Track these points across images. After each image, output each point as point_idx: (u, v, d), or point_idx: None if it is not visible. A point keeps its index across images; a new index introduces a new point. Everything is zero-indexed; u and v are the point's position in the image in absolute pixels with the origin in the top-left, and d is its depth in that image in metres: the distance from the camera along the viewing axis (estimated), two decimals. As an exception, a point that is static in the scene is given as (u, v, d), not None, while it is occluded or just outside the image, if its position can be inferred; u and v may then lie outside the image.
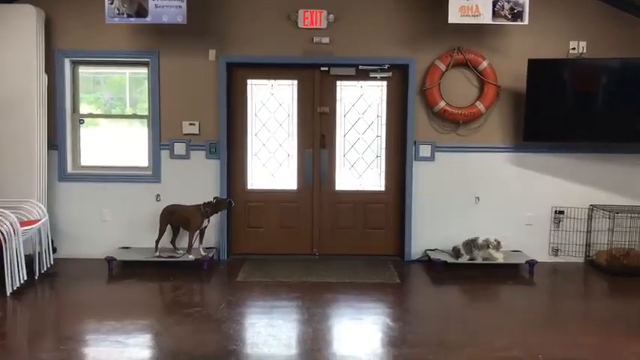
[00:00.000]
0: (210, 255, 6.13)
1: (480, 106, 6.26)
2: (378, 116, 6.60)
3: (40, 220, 5.68)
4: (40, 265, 5.69)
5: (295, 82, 6.53)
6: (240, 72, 6.49)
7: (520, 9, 5.76)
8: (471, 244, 6.07)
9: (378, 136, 6.60)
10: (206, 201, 6.06)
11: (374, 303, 5.16)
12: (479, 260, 6.06)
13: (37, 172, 6.00)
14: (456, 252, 6.14)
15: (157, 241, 6.09)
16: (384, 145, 6.61)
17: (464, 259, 6.07)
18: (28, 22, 5.89)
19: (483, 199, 6.46)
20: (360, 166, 6.64)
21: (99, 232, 6.40)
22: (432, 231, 6.46)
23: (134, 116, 6.62)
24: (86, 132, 6.56)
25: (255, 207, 6.63)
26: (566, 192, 6.44)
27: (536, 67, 6.05)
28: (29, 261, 5.53)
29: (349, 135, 6.62)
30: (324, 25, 6.21)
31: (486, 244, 6.03)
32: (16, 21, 5.89)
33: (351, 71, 6.44)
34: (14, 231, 5.16)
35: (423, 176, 6.43)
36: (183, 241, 6.16)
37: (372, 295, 5.31)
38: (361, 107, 6.59)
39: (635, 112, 6.03)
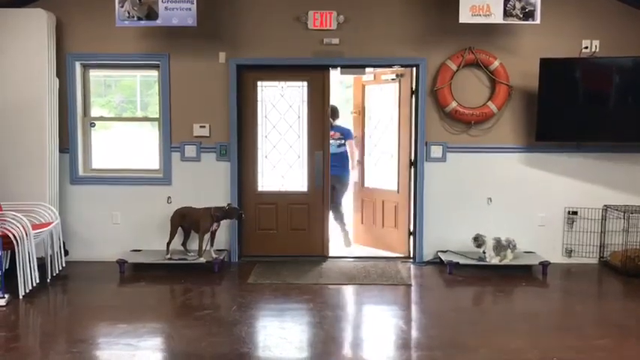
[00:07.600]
0: (221, 257, 6.12)
1: (492, 106, 6.20)
2: (390, 117, 6.57)
3: (51, 223, 5.70)
4: (52, 267, 5.70)
5: (305, 83, 6.51)
6: (250, 74, 6.48)
7: (532, 8, 5.71)
8: (498, 245, 5.94)
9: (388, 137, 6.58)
10: (218, 205, 6.06)
11: (386, 305, 5.13)
12: (508, 259, 5.97)
13: (49, 176, 6.03)
14: (481, 257, 6.01)
15: (168, 244, 6.09)
16: (395, 146, 6.58)
17: (495, 260, 5.94)
18: (39, 26, 5.92)
19: (496, 200, 6.40)
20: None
21: (110, 234, 6.41)
22: (444, 232, 6.40)
23: (145, 119, 6.64)
24: (97, 135, 6.58)
25: (266, 209, 6.61)
26: (579, 192, 6.36)
27: (548, 66, 5.99)
28: (41, 264, 5.54)
29: (360, 136, 6.61)
30: (334, 26, 6.18)
31: (508, 244, 5.96)
32: (28, 25, 5.91)
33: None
34: (26, 234, 5.18)
35: (435, 177, 6.38)
36: (194, 244, 6.15)
37: (383, 297, 5.28)
38: (372, 108, 6.57)
39: (649, 111, 5.97)
